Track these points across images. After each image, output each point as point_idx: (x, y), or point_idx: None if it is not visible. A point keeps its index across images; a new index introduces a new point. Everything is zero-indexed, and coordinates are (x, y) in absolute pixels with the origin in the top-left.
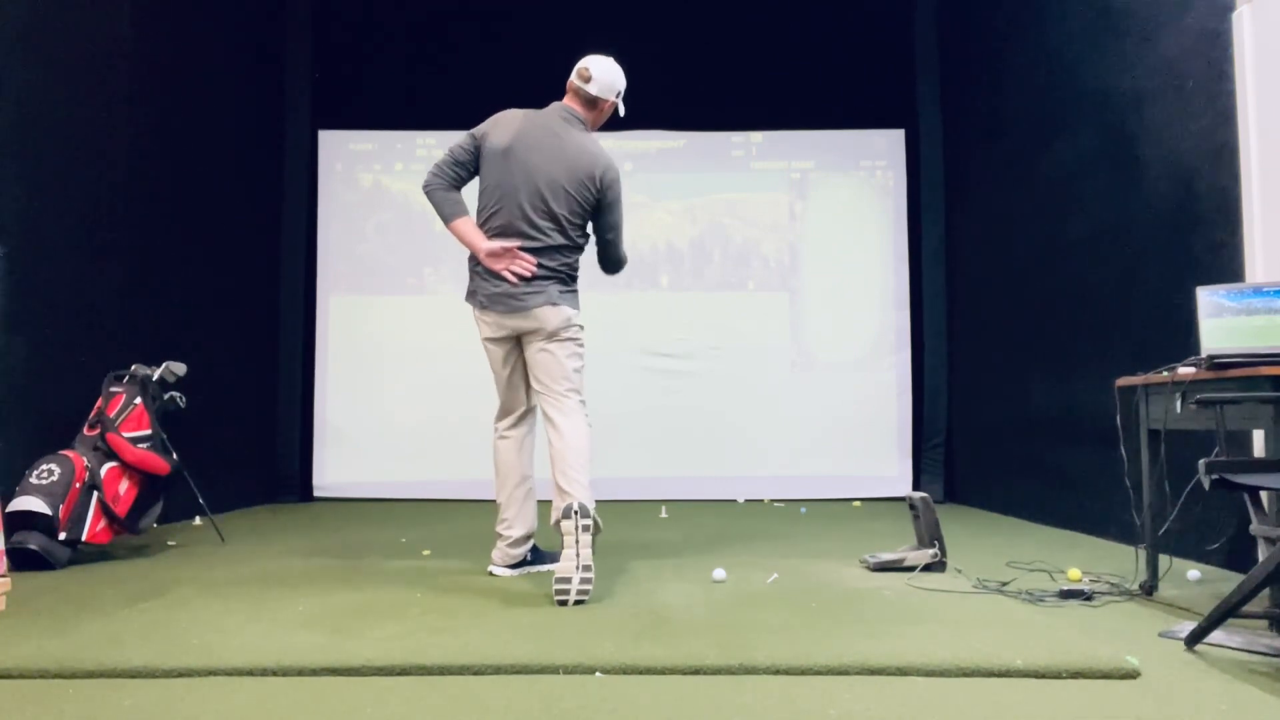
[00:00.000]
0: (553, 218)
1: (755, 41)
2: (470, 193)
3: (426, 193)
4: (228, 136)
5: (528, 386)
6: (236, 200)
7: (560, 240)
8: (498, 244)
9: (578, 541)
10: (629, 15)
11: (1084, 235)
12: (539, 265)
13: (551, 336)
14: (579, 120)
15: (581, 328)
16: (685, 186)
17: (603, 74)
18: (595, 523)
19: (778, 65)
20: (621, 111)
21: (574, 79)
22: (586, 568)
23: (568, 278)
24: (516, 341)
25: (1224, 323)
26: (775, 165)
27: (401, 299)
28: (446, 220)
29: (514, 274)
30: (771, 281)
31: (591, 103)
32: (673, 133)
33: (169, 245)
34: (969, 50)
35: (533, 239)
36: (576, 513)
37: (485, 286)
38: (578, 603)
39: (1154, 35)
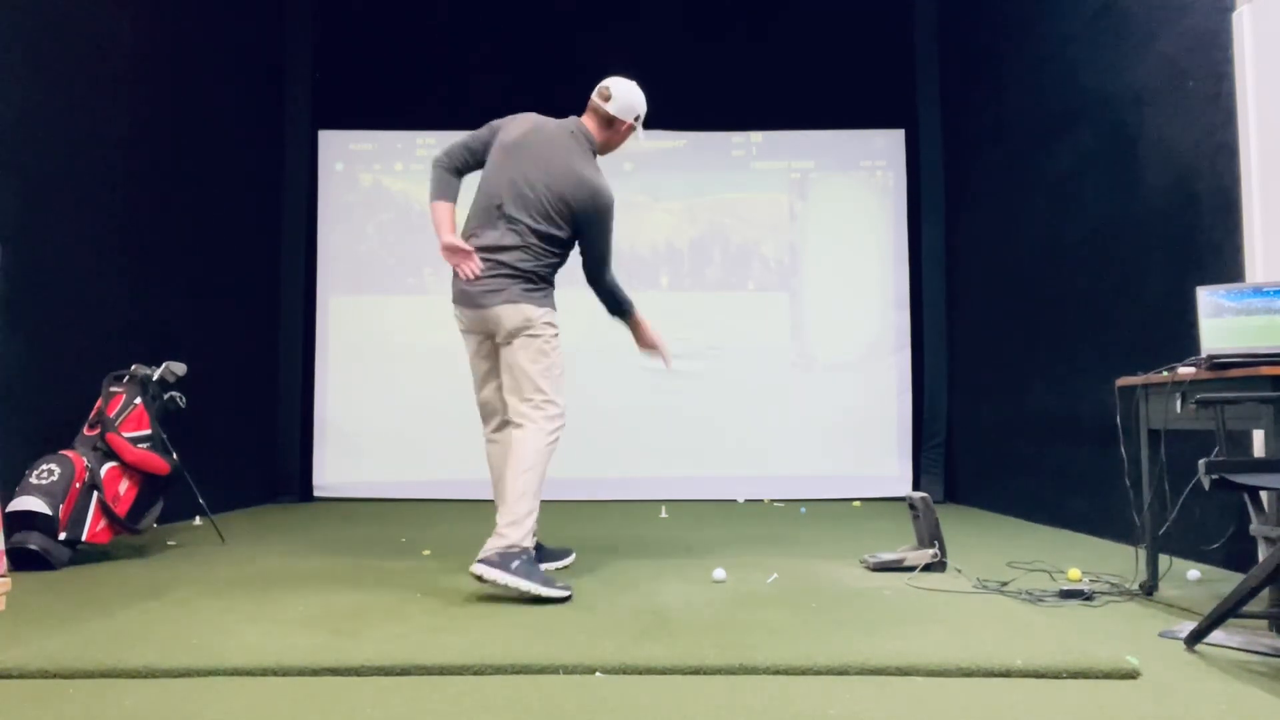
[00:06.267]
0: (527, 220)
1: (755, 41)
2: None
3: (432, 166)
4: (228, 136)
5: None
6: (237, 200)
7: (530, 242)
8: (454, 240)
9: (505, 585)
10: (629, 15)
11: (1084, 235)
12: (502, 264)
13: (511, 336)
14: (587, 138)
15: (551, 325)
16: (685, 186)
17: (623, 95)
18: (526, 554)
19: (778, 65)
20: (641, 136)
21: (594, 97)
22: (524, 592)
23: (534, 278)
24: (490, 340)
25: (1224, 323)
26: (775, 165)
27: (401, 299)
28: (430, 198)
29: (461, 271)
30: (771, 281)
31: (609, 122)
32: (673, 133)
33: (169, 245)
34: (969, 50)
35: (503, 234)
36: (486, 562)
37: (456, 281)
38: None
39: (1154, 35)
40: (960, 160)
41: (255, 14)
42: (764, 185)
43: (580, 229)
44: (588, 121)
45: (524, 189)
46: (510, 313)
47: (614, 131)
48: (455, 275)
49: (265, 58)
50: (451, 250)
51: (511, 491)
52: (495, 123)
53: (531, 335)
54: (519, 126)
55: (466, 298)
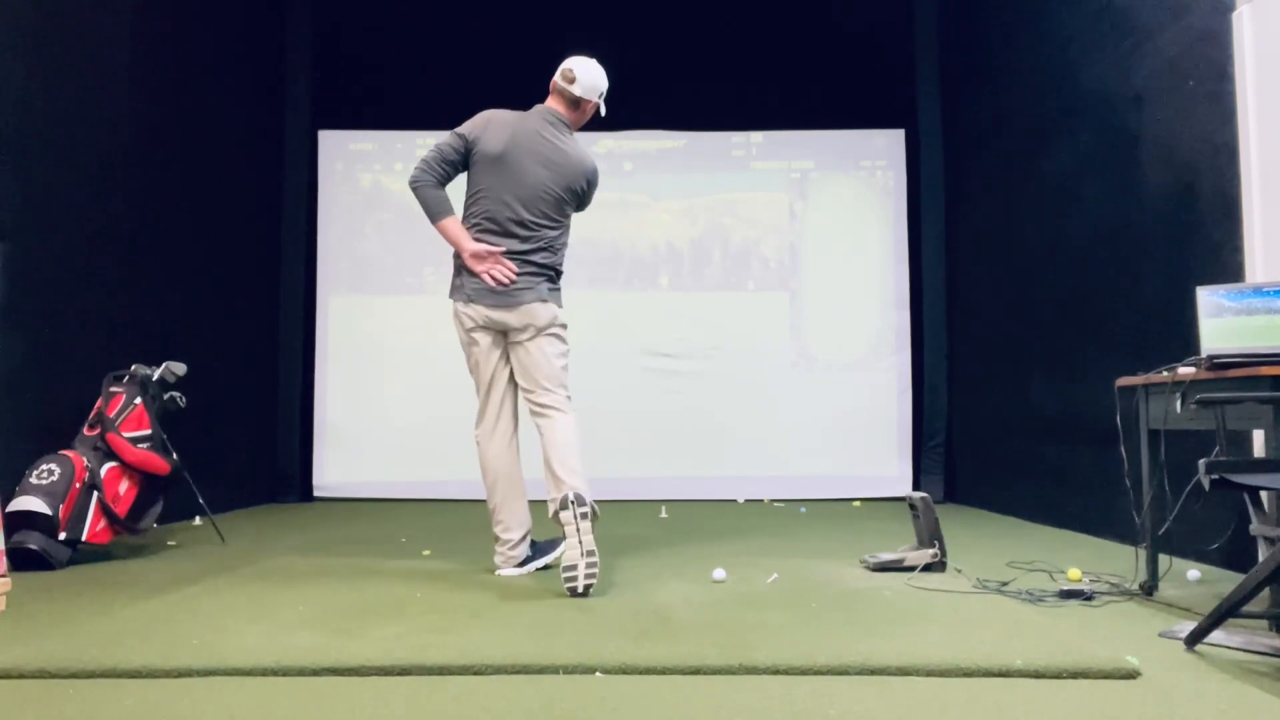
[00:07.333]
0: (544, 220)
1: (755, 41)
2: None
3: (414, 188)
4: (228, 136)
5: (511, 384)
6: (236, 200)
7: (549, 240)
8: (483, 247)
9: (579, 530)
10: (629, 15)
11: (1084, 235)
12: (530, 263)
13: (540, 332)
14: (564, 124)
15: (565, 326)
16: (685, 186)
17: (586, 75)
18: (593, 509)
19: (778, 65)
20: (603, 111)
21: (558, 80)
22: (590, 553)
23: (555, 275)
24: (502, 337)
25: (1224, 323)
26: (775, 165)
27: (401, 299)
28: (434, 218)
29: (494, 277)
30: (771, 281)
31: (575, 104)
32: (673, 133)
33: (169, 245)
34: (969, 50)
35: (524, 240)
36: (574, 502)
37: (472, 280)
38: (586, 588)
39: (1154, 35)
40: (960, 160)
41: (256, 14)
42: (764, 185)
43: (579, 205)
44: (555, 105)
45: (539, 193)
46: (542, 310)
47: (580, 112)
48: (469, 275)
49: (265, 57)
50: (481, 258)
51: (578, 462)
52: (464, 131)
53: (555, 333)
54: (497, 133)
55: (491, 294)
